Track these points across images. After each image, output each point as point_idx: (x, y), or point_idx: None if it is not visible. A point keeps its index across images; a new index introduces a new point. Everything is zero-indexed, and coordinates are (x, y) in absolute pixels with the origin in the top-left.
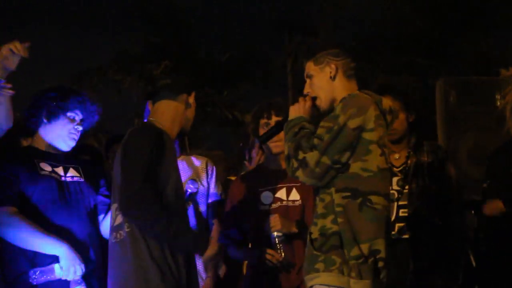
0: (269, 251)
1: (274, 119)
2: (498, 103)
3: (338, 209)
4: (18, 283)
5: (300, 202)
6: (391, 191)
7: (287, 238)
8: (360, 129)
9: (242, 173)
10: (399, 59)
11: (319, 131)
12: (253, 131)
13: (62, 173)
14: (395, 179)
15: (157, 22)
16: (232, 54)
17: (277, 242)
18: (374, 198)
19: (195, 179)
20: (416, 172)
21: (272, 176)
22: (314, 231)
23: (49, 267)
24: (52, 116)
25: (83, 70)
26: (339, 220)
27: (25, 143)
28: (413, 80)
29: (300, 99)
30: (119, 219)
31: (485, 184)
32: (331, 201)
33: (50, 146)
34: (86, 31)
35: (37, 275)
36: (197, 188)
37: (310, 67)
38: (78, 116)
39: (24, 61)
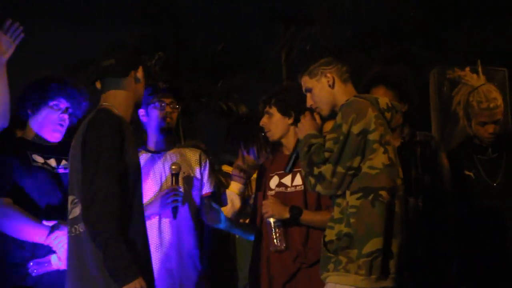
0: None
1: (274, 108)
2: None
3: (351, 210)
4: (15, 274)
5: (302, 187)
6: None
7: (284, 224)
8: (365, 132)
9: (266, 159)
10: (394, 49)
11: (327, 144)
12: None
13: (54, 164)
14: None
15: (152, 14)
16: (226, 45)
17: (273, 228)
18: (383, 193)
19: (177, 161)
20: (409, 162)
21: (284, 161)
22: (330, 235)
23: (46, 258)
24: (35, 107)
25: (79, 61)
26: (352, 220)
27: (19, 133)
28: (408, 70)
29: (302, 117)
30: (76, 212)
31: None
32: (346, 205)
33: (39, 137)
34: (81, 23)
35: (35, 267)
36: (180, 168)
37: (307, 81)
38: (63, 104)
39: (19, 54)
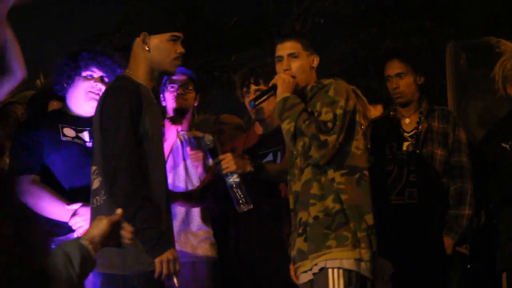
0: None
1: (253, 88)
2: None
3: (340, 186)
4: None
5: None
6: (402, 156)
7: (246, 181)
8: (354, 112)
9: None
10: (408, 23)
11: (328, 116)
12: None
13: (86, 138)
14: (405, 144)
15: None
16: (240, 18)
17: (234, 188)
18: (366, 173)
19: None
20: (427, 137)
21: (261, 141)
22: (314, 211)
23: (67, 236)
24: (70, 79)
25: (92, 36)
26: (343, 197)
27: (56, 105)
28: (423, 44)
29: (287, 74)
30: (96, 183)
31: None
32: (328, 181)
33: (72, 110)
34: None
35: (54, 245)
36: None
37: (298, 48)
38: (96, 74)
39: (29, 27)
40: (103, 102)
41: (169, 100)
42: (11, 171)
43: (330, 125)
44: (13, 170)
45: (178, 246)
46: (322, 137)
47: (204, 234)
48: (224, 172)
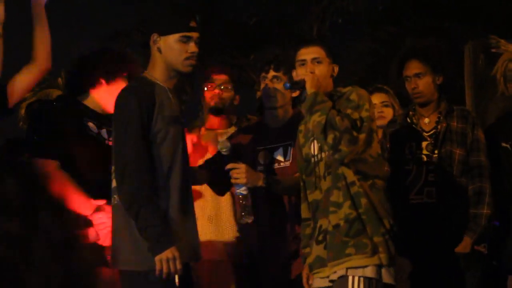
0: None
1: (272, 73)
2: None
3: (359, 189)
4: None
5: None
6: (421, 156)
7: (253, 194)
8: (372, 118)
9: (241, 127)
10: (427, 22)
11: (355, 115)
12: (257, 84)
13: (106, 135)
14: (424, 144)
15: None
16: (258, 18)
17: (240, 199)
18: (377, 182)
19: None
20: (445, 137)
21: (272, 134)
22: (334, 219)
23: (84, 231)
24: (111, 77)
25: (111, 33)
26: (363, 201)
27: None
28: (441, 43)
29: (317, 70)
30: (114, 182)
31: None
32: (347, 187)
33: (98, 106)
34: None
35: None
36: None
37: (322, 54)
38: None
39: (53, 24)
40: (116, 104)
41: (206, 99)
42: (31, 153)
43: (358, 123)
44: (34, 153)
45: (204, 246)
46: (355, 134)
47: (230, 235)
48: (233, 182)
